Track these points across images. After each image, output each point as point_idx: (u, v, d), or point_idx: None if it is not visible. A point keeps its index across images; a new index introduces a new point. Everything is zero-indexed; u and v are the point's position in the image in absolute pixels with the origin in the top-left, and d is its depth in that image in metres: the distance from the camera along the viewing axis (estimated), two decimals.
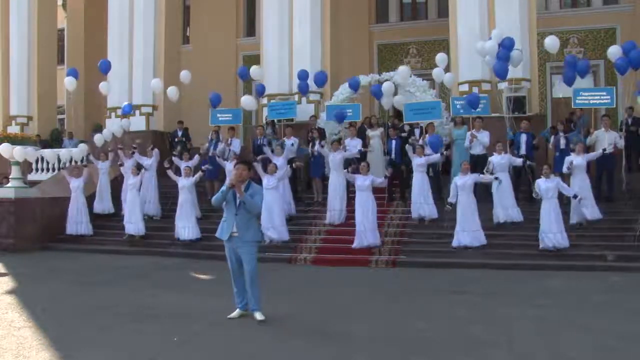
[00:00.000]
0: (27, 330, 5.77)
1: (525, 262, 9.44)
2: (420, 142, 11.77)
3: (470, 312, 6.48)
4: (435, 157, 11.20)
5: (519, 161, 10.78)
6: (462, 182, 10.04)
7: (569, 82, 11.24)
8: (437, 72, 12.68)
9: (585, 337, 5.40)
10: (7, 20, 19.12)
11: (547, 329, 5.70)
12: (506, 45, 11.02)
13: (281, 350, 5.15)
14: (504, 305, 6.79)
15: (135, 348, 5.20)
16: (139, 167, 12.31)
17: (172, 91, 13.88)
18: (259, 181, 10.32)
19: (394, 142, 12.08)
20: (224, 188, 6.00)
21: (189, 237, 11.34)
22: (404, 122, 12.70)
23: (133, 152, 13.02)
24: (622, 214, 10.57)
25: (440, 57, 12.72)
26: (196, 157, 12.57)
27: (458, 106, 11.96)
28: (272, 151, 11.90)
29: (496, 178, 10.22)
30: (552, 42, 11.57)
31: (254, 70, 13.64)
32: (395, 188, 12.23)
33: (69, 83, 13.96)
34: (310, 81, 13.56)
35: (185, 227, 11.35)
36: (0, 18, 19.36)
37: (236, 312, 6.17)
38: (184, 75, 13.92)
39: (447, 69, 13.09)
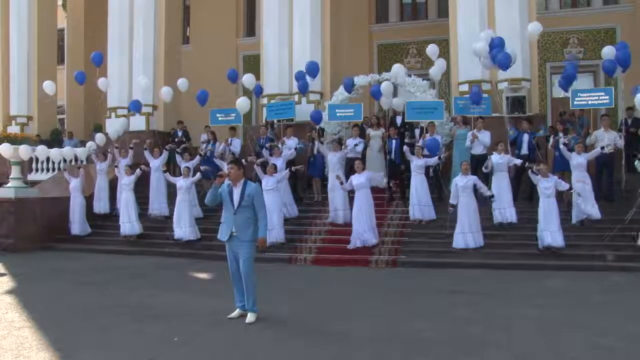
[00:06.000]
0: (27, 330, 5.78)
1: (525, 262, 9.44)
2: (420, 142, 11.77)
3: (470, 312, 6.48)
4: (434, 160, 11.19)
5: (518, 161, 10.77)
6: (462, 184, 10.03)
7: (565, 87, 11.26)
8: (434, 70, 12.58)
9: (585, 337, 5.40)
10: (7, 20, 19.13)
11: (547, 329, 5.70)
12: (497, 45, 10.97)
13: (281, 350, 5.15)
14: (504, 305, 6.79)
15: (135, 348, 5.20)
16: (131, 167, 12.31)
17: (167, 92, 13.88)
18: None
19: (394, 141, 12.08)
20: (214, 186, 6.10)
21: (185, 237, 11.34)
22: (406, 121, 12.66)
23: (145, 149, 13.03)
24: (621, 214, 10.56)
25: (432, 50, 12.63)
26: (197, 157, 12.57)
27: (461, 105, 11.94)
28: (271, 153, 11.93)
29: (492, 196, 10.23)
30: (534, 27, 11.48)
31: (246, 78, 13.58)
32: (395, 188, 12.24)
33: (48, 87, 14.27)
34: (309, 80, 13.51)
35: (182, 227, 11.35)
36: (0, 18, 19.37)
37: (236, 312, 6.18)
38: (181, 83, 13.90)
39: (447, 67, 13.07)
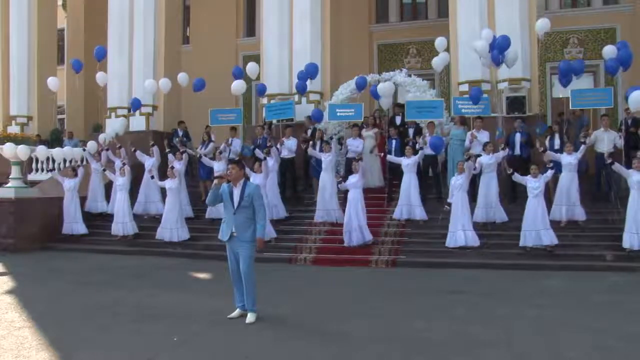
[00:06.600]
0: (27, 330, 5.78)
1: (525, 262, 9.45)
2: (420, 142, 11.75)
3: (469, 312, 6.49)
4: (420, 155, 11.19)
5: (502, 154, 10.74)
6: (453, 181, 10.16)
7: (565, 84, 11.26)
8: (436, 60, 12.61)
9: (585, 337, 5.41)
10: (7, 20, 19.11)
11: (547, 329, 5.70)
12: (499, 44, 10.97)
13: (281, 350, 5.15)
14: (503, 305, 6.80)
15: (134, 348, 5.21)
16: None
17: (165, 83, 13.94)
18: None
19: (393, 142, 12.07)
20: (214, 186, 6.12)
21: (177, 239, 11.33)
22: (406, 120, 12.64)
23: (135, 150, 13.01)
24: (620, 214, 10.54)
25: (440, 42, 12.66)
26: (185, 156, 12.56)
27: (460, 106, 11.95)
28: (267, 153, 11.94)
29: (475, 156, 10.39)
30: (542, 24, 11.46)
31: (250, 67, 13.62)
32: (395, 189, 12.23)
33: (52, 83, 14.28)
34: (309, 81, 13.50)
35: (172, 229, 11.36)
36: (0, 18, 19.36)
37: (236, 312, 6.19)
38: (182, 77, 13.94)
39: (447, 67, 13.08)
